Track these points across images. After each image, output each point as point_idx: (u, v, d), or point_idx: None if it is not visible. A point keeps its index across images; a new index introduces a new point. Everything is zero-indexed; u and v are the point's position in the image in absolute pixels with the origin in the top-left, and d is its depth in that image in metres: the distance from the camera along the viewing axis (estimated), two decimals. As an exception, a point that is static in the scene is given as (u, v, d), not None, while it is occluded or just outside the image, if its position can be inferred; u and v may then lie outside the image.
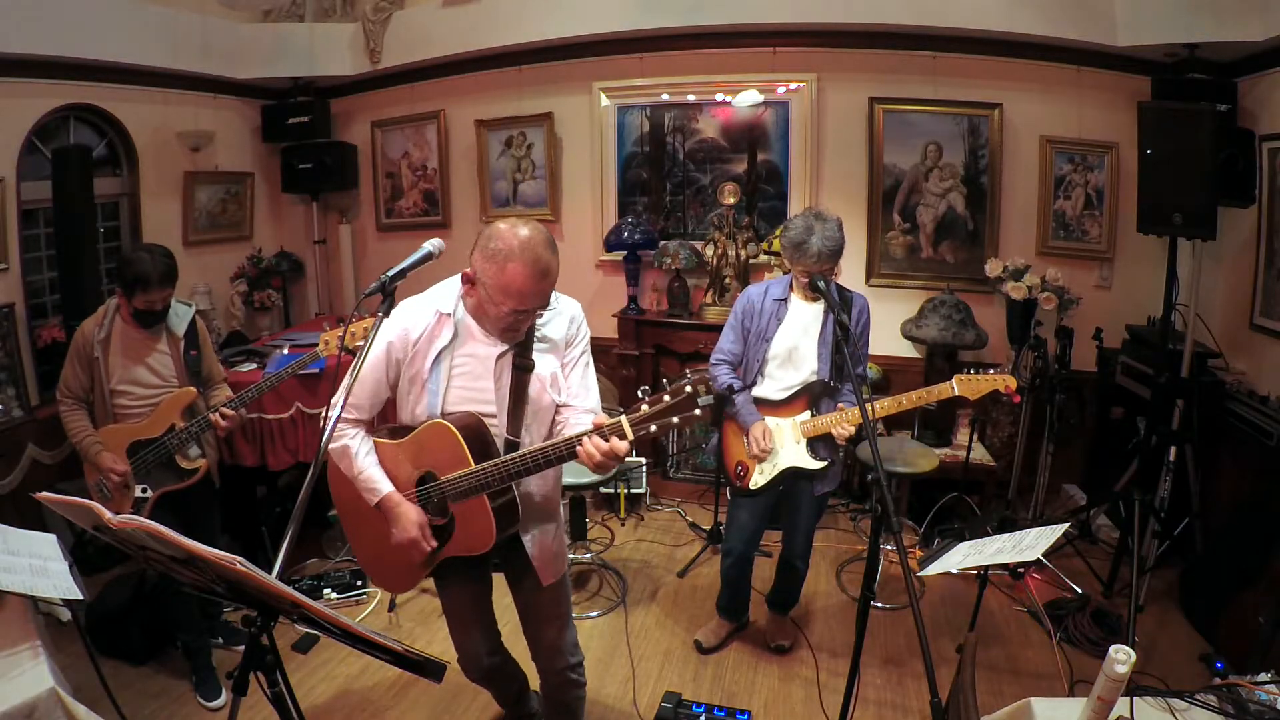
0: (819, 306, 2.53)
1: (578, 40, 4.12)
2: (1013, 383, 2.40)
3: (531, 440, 1.77)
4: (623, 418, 1.53)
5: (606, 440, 1.55)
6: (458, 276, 1.75)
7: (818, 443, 2.55)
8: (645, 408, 1.51)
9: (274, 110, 4.64)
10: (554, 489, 1.93)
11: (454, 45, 4.31)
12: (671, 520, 4.01)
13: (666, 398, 1.48)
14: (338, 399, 1.56)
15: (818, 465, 2.53)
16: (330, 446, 1.70)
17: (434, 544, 1.76)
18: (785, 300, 2.56)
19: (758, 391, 2.60)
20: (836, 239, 2.37)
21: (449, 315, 1.73)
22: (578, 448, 1.58)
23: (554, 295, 1.81)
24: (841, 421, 2.44)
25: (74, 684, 1.81)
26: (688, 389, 1.47)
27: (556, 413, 1.82)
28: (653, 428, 1.51)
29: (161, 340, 2.55)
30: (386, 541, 1.82)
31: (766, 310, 2.56)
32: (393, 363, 1.77)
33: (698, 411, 1.48)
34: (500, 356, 1.74)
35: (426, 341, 1.73)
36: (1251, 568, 2.70)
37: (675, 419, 1.49)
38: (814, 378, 2.53)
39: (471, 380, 1.75)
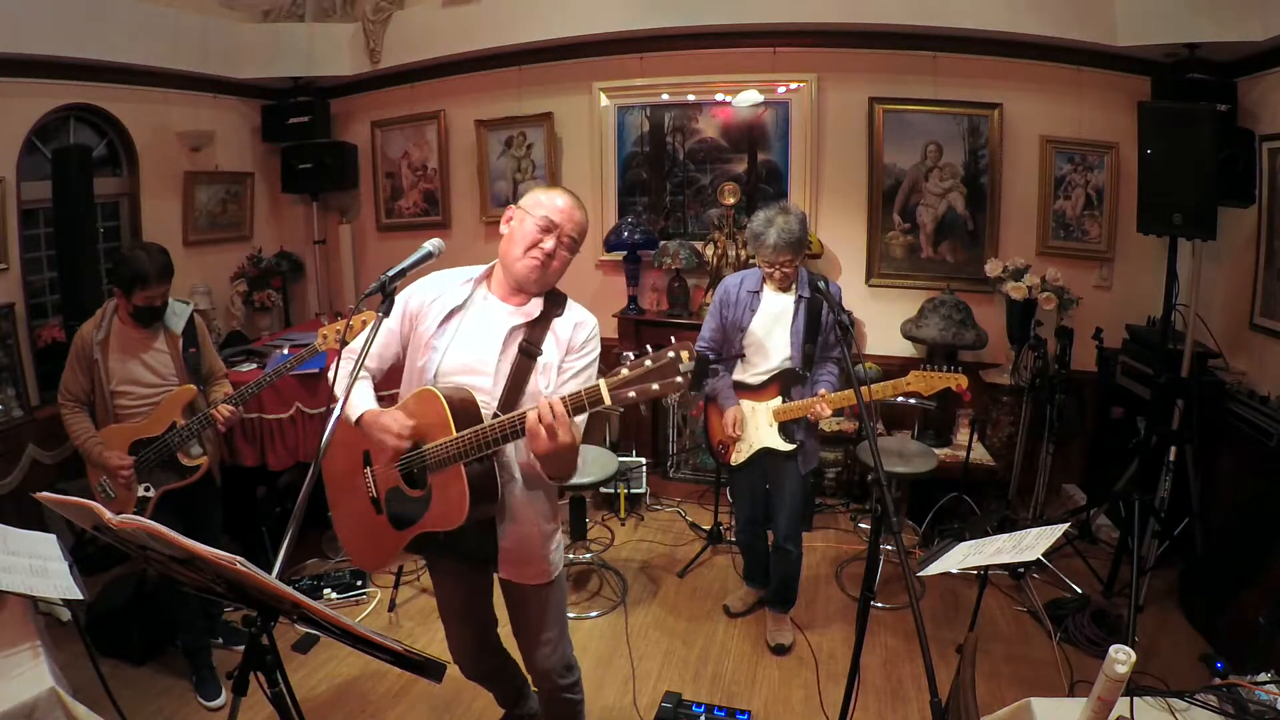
0: (790, 298, 2.69)
1: (578, 40, 4.12)
2: (964, 381, 2.54)
3: None
4: (601, 381, 1.47)
5: (582, 407, 1.48)
6: (491, 262, 1.83)
7: (790, 426, 2.71)
8: (625, 371, 1.45)
9: (274, 110, 4.63)
10: (542, 490, 1.84)
11: (454, 45, 4.31)
12: (671, 520, 4.01)
13: (648, 363, 1.42)
14: (356, 344, 1.64)
15: (789, 447, 2.70)
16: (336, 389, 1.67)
17: (408, 439, 1.66)
18: (758, 292, 2.72)
19: (736, 375, 2.79)
20: (794, 232, 2.54)
21: (471, 280, 1.80)
22: (529, 413, 1.52)
23: (573, 303, 1.84)
24: (813, 405, 2.58)
25: (74, 684, 1.81)
26: (669, 354, 1.41)
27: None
28: (631, 393, 1.43)
29: (159, 339, 2.56)
30: (366, 514, 1.83)
31: (741, 301, 2.72)
32: (408, 315, 1.81)
33: (679, 379, 1.40)
34: (510, 331, 1.74)
35: (443, 301, 1.78)
36: (1251, 568, 2.70)
37: (656, 385, 1.41)
38: (787, 364, 2.68)
39: (474, 347, 1.74)
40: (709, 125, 4.21)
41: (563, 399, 1.51)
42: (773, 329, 2.69)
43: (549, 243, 1.71)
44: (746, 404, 2.74)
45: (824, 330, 2.66)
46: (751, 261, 4.02)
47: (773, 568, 2.94)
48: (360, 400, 1.76)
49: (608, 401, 1.47)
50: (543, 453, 1.54)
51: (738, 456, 2.80)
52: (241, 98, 4.59)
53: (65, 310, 3.45)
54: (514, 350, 1.75)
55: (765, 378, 2.73)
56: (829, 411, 2.55)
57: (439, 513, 1.72)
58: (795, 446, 2.71)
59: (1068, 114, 3.71)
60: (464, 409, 1.67)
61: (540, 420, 1.50)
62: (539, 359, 1.75)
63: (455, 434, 1.63)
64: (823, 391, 2.60)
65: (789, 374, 2.70)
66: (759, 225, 2.57)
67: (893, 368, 4.02)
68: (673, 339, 1.48)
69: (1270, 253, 3.17)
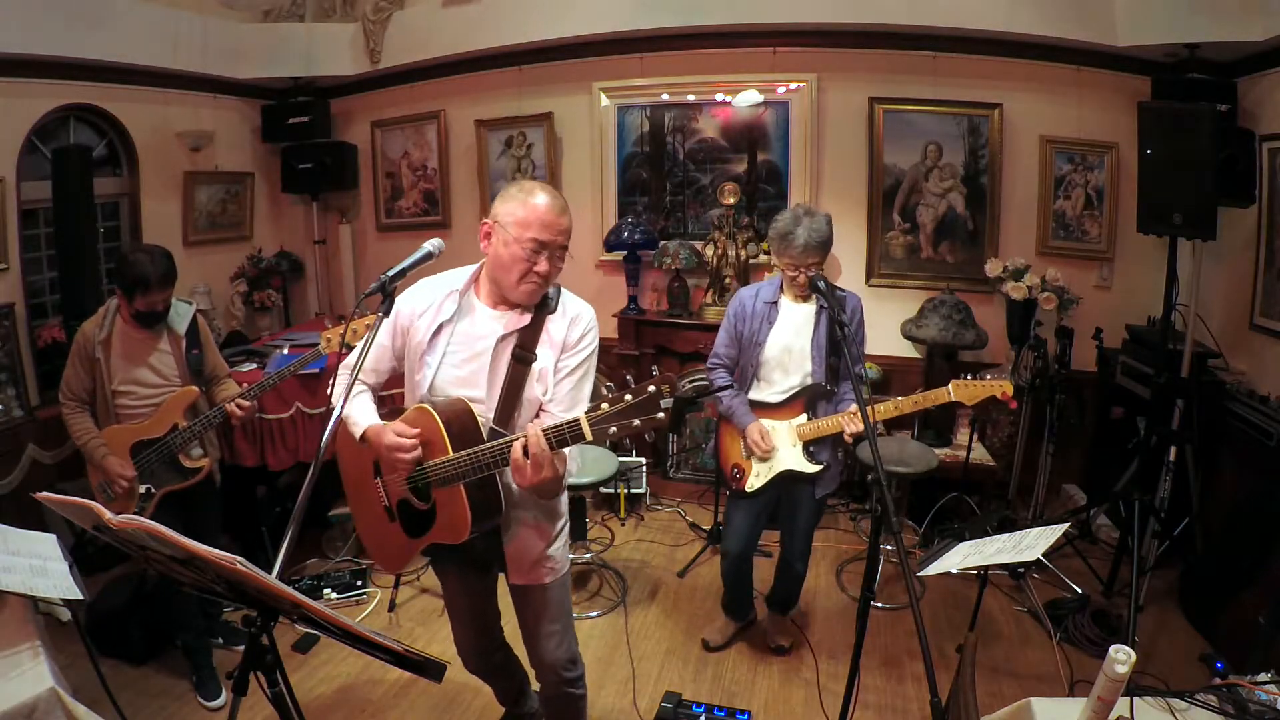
0: (810, 308, 2.51)
1: (578, 40, 4.12)
2: (1009, 388, 2.35)
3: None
4: (581, 415, 1.47)
5: (560, 441, 1.49)
6: (473, 265, 1.78)
7: (814, 446, 2.53)
8: (605, 406, 1.44)
9: (274, 110, 4.64)
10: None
11: (454, 45, 4.31)
12: (671, 520, 4.01)
13: (628, 397, 1.42)
14: (350, 360, 1.60)
15: (814, 469, 2.52)
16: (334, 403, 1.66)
17: (419, 450, 1.66)
18: (775, 303, 2.54)
19: (754, 394, 2.59)
20: (823, 232, 2.38)
21: (457, 291, 1.75)
22: (514, 445, 1.53)
23: (566, 294, 1.80)
24: (843, 422, 2.41)
25: (74, 684, 1.81)
26: (650, 389, 1.41)
27: (538, 413, 1.74)
28: (613, 429, 1.44)
29: (163, 340, 2.54)
30: (382, 520, 1.84)
31: (758, 313, 2.54)
32: (399, 330, 1.78)
33: (660, 415, 1.41)
34: (501, 340, 1.72)
35: (431, 314, 1.74)
36: (1251, 568, 2.70)
37: (636, 421, 1.42)
38: (810, 381, 2.51)
39: (465, 359, 1.72)
40: (709, 125, 4.21)
41: (545, 432, 1.51)
42: (793, 342, 2.50)
43: (543, 265, 1.65)
44: (766, 423, 2.53)
45: (849, 341, 2.43)
46: (753, 262, 4.07)
47: (777, 578, 2.87)
48: (362, 416, 1.76)
49: (589, 437, 1.47)
50: (525, 485, 1.56)
51: (754, 481, 2.56)
52: (241, 98, 4.59)
53: (65, 310, 3.45)
54: (507, 358, 1.72)
55: (786, 395, 2.53)
56: (862, 428, 2.31)
57: (444, 527, 1.74)
58: (821, 467, 2.52)
59: (1068, 114, 3.71)
60: (461, 425, 1.66)
61: (524, 454, 1.51)
62: (534, 365, 1.71)
63: (451, 454, 1.63)
64: (854, 408, 2.39)
65: (814, 389, 2.50)
66: (786, 224, 2.39)
67: (892, 368, 4.03)
68: (655, 370, 1.48)
69: (1270, 253, 3.17)
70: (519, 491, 1.78)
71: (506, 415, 1.71)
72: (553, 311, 1.75)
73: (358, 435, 1.75)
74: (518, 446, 1.53)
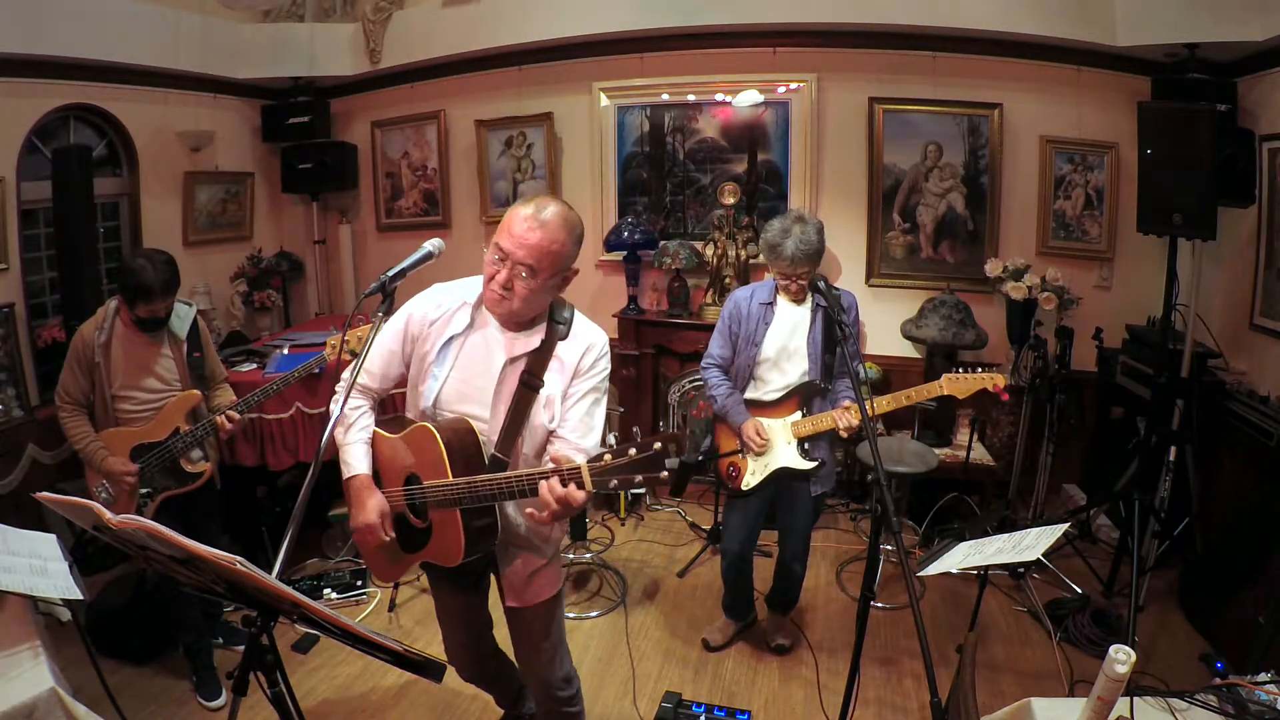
0: (806, 308, 2.54)
1: (578, 40, 4.12)
2: (1001, 381, 2.40)
3: (517, 463, 1.69)
4: (583, 464, 1.42)
5: (564, 486, 1.43)
6: None
7: (810, 443, 2.54)
8: (608, 458, 1.39)
9: (274, 110, 4.64)
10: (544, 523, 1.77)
11: (454, 45, 4.31)
12: (671, 520, 4.01)
13: (632, 451, 1.36)
14: (354, 366, 1.58)
15: (809, 465, 2.54)
16: (332, 409, 1.63)
17: (391, 535, 1.69)
18: (771, 304, 2.56)
19: (749, 394, 2.60)
20: (813, 243, 2.39)
21: (469, 304, 1.70)
22: (540, 483, 1.46)
23: (580, 319, 1.75)
24: (836, 416, 2.42)
25: (74, 684, 1.81)
26: (656, 446, 1.35)
27: (549, 440, 1.69)
28: (613, 483, 1.39)
29: (164, 344, 2.52)
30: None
31: (754, 314, 2.56)
32: (409, 337, 1.75)
33: (663, 474, 1.35)
34: (510, 363, 1.67)
35: (443, 324, 1.71)
36: (1251, 568, 2.70)
37: (638, 477, 1.37)
38: (805, 379, 2.53)
39: (473, 376, 1.68)
40: (709, 125, 4.21)
41: (562, 472, 1.45)
42: (788, 342, 2.53)
43: (503, 273, 1.58)
44: (762, 421, 2.56)
45: (849, 340, 2.41)
46: (753, 262, 4.07)
47: (776, 579, 2.87)
48: (356, 458, 1.74)
49: (589, 487, 1.42)
50: (548, 522, 1.51)
51: (750, 479, 2.58)
52: (241, 98, 4.59)
53: (65, 310, 3.45)
54: (513, 382, 1.67)
55: (781, 394, 2.55)
56: (856, 421, 2.34)
57: (438, 549, 1.73)
58: (817, 464, 2.53)
59: (1068, 114, 3.71)
60: (462, 448, 1.63)
61: (554, 499, 1.45)
62: (541, 391, 1.66)
63: (450, 479, 1.60)
64: (846, 403, 2.42)
65: (809, 387, 2.53)
66: (775, 235, 2.41)
67: (892, 368, 4.03)
68: (662, 425, 1.44)
69: (1270, 253, 3.17)
70: (516, 518, 1.77)
71: (509, 441, 1.67)
72: (564, 337, 1.70)
73: (345, 476, 1.73)
74: (544, 488, 1.46)
